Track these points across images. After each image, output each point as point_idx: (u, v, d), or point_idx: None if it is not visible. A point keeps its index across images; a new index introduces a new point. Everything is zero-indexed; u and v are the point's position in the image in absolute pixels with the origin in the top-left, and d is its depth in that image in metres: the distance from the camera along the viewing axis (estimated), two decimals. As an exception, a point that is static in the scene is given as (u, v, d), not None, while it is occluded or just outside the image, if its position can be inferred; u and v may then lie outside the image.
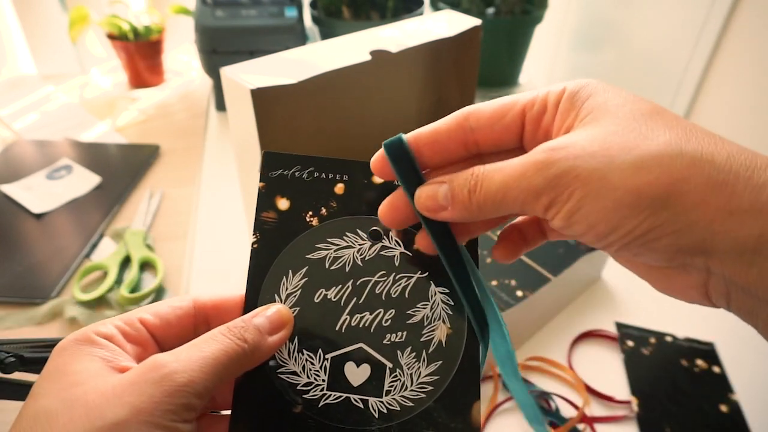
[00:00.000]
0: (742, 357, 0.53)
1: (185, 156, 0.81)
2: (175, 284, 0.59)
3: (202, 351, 0.21)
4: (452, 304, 0.25)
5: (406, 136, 0.24)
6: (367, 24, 0.84)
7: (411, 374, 0.24)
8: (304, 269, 0.25)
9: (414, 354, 0.24)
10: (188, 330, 0.24)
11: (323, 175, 0.26)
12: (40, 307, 0.55)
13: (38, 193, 0.70)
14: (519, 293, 0.53)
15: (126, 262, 0.61)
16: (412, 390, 0.24)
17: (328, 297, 0.25)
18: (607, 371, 0.51)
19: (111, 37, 0.94)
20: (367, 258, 0.25)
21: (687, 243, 0.20)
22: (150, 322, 0.24)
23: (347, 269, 0.25)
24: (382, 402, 0.24)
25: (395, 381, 0.24)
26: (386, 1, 0.89)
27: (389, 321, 0.25)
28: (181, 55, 1.11)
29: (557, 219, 0.21)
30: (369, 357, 0.24)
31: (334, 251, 0.25)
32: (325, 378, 0.24)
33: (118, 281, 0.58)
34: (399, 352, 0.24)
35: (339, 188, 0.26)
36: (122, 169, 0.76)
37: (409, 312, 0.25)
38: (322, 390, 0.24)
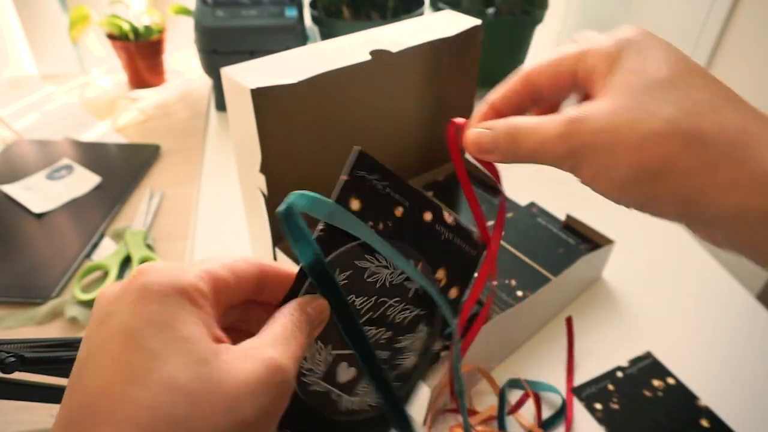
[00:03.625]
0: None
1: (185, 156, 0.81)
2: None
3: (296, 352, 0.22)
4: (426, 341, 0.29)
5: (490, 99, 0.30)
6: (367, 24, 0.84)
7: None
8: (349, 272, 0.26)
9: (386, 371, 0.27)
10: (249, 292, 0.24)
11: (392, 193, 0.27)
12: (40, 307, 0.55)
13: (38, 193, 0.70)
14: (519, 293, 0.53)
15: (126, 262, 0.61)
16: (376, 398, 0.28)
17: (355, 304, 0.27)
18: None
19: (111, 37, 0.94)
20: (393, 282, 0.27)
21: (683, 209, 0.24)
22: (226, 280, 0.22)
23: (377, 286, 0.27)
24: (351, 401, 0.27)
25: (363, 387, 0.27)
26: (386, 1, 0.89)
27: (384, 340, 0.28)
28: (181, 55, 1.11)
29: (581, 178, 0.26)
30: (358, 363, 0.27)
31: (375, 266, 0.27)
32: (323, 369, 0.26)
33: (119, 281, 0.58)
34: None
35: (398, 211, 0.28)
36: (122, 169, 0.76)
37: (399, 338, 0.28)
38: (317, 378, 0.26)
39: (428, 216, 0.28)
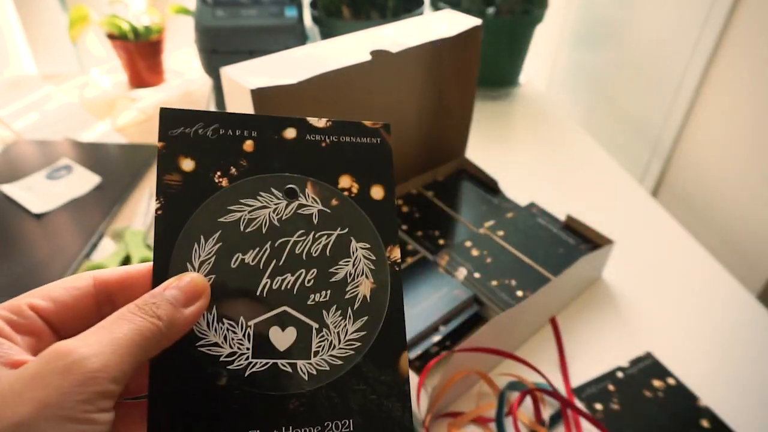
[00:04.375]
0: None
1: (185, 156, 0.81)
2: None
3: (112, 333, 0.19)
4: (374, 258, 0.25)
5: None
6: (367, 24, 0.84)
7: (338, 333, 0.24)
8: (218, 233, 0.23)
9: (339, 312, 0.24)
10: (90, 312, 0.22)
11: (230, 132, 0.24)
12: (40, 307, 0.55)
13: (38, 193, 0.70)
14: (519, 293, 0.53)
15: (126, 262, 0.61)
16: (340, 348, 0.24)
17: (246, 261, 0.23)
18: None
19: (111, 37, 0.94)
20: (284, 218, 0.24)
21: None
22: (42, 308, 0.21)
23: (264, 231, 0.24)
24: (310, 363, 0.23)
25: (322, 341, 0.24)
26: (386, 1, 0.89)
27: (312, 281, 0.24)
28: (181, 54, 1.11)
29: None
30: (294, 319, 0.23)
31: (249, 212, 0.24)
32: (250, 346, 0.23)
33: (118, 281, 0.58)
34: (324, 311, 0.24)
35: (248, 145, 0.24)
36: (122, 169, 0.76)
37: (331, 270, 0.24)
38: (247, 359, 0.23)
39: (291, 132, 0.25)
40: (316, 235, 0.24)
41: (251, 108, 0.45)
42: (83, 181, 0.73)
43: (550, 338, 0.54)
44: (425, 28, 0.58)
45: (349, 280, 0.24)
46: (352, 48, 0.52)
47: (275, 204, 0.24)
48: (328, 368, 0.23)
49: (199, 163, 0.24)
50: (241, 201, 0.24)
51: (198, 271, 0.23)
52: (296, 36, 0.84)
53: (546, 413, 0.48)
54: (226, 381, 0.22)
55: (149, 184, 0.74)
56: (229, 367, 0.22)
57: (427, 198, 0.67)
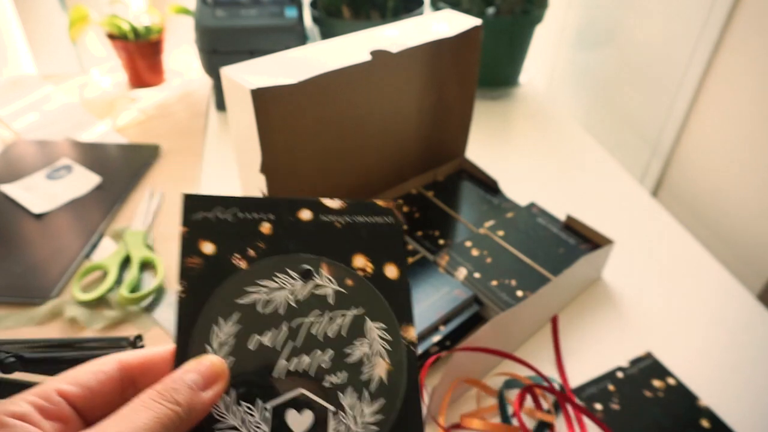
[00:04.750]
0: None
1: (185, 156, 0.81)
2: (175, 284, 0.59)
3: (133, 422, 0.19)
4: (390, 339, 0.25)
5: None
6: (367, 24, 0.84)
7: (354, 416, 0.23)
8: (236, 315, 0.24)
9: (356, 394, 0.24)
10: (115, 395, 0.22)
11: (248, 215, 0.25)
12: (40, 307, 0.55)
13: (38, 193, 0.70)
14: (519, 293, 0.53)
15: (126, 262, 0.61)
16: (356, 431, 0.23)
17: (264, 343, 0.24)
18: None
19: (111, 37, 0.94)
20: (300, 298, 0.24)
21: None
22: (70, 393, 0.21)
23: (281, 312, 0.24)
24: None
25: (339, 425, 0.23)
26: (386, 1, 0.89)
27: (328, 362, 0.24)
28: (181, 55, 1.11)
29: None
30: (310, 402, 0.23)
31: (266, 294, 0.24)
32: (267, 429, 0.23)
33: (118, 281, 0.58)
34: (340, 393, 0.24)
35: (265, 228, 0.25)
36: (122, 169, 0.76)
37: (346, 351, 0.24)
38: None
39: (306, 214, 0.26)
40: (332, 316, 0.24)
41: (251, 108, 0.45)
42: (83, 181, 0.73)
43: (550, 338, 0.54)
44: (425, 28, 0.58)
45: (365, 361, 0.24)
46: (352, 48, 0.52)
47: (291, 285, 0.24)
48: None
49: (219, 246, 0.24)
50: (258, 282, 0.24)
51: (217, 353, 0.23)
52: (296, 36, 0.84)
53: (546, 406, 0.48)
54: None
55: (149, 184, 0.74)
56: None
57: (427, 198, 0.67)
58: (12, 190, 0.71)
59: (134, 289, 0.57)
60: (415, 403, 0.24)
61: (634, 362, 0.52)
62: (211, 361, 0.22)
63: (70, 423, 0.21)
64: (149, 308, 0.55)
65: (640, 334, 0.55)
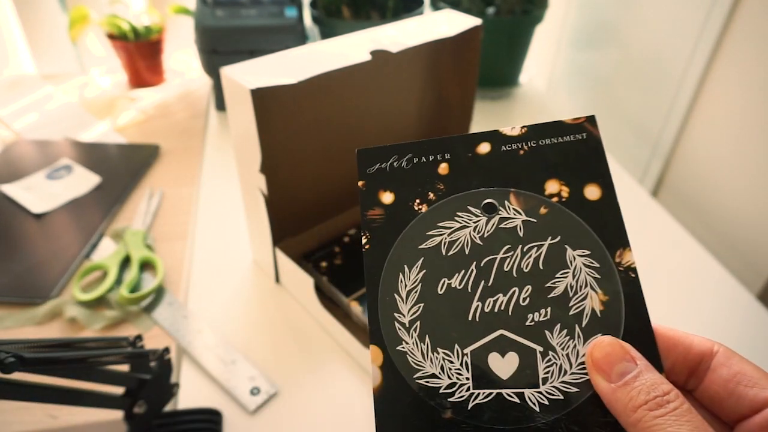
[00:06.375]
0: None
1: (185, 156, 0.81)
2: (175, 284, 0.59)
3: None
4: (598, 266, 0.22)
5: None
6: (367, 24, 0.84)
7: (567, 355, 0.21)
8: (420, 261, 0.23)
9: (565, 331, 0.21)
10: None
11: (423, 159, 0.24)
12: (40, 307, 0.55)
13: (38, 193, 0.70)
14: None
15: (126, 262, 0.61)
16: (573, 373, 0.21)
17: (453, 285, 0.22)
18: None
19: (111, 37, 0.94)
20: (486, 235, 0.23)
21: None
22: None
23: (467, 251, 0.23)
24: (540, 392, 0.21)
25: (551, 366, 0.21)
26: (386, 1, 0.89)
27: (528, 299, 0.22)
28: (181, 55, 1.11)
29: None
30: (513, 343, 0.21)
31: (448, 235, 0.23)
32: (469, 375, 0.21)
33: (118, 281, 0.58)
34: (547, 332, 0.21)
35: (443, 168, 0.24)
36: (122, 169, 0.76)
37: (548, 285, 0.22)
38: (468, 389, 0.21)
39: (485, 147, 0.24)
40: (525, 249, 0.23)
41: (251, 108, 0.45)
42: (83, 181, 0.73)
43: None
44: (425, 28, 0.58)
45: (571, 294, 0.22)
46: (352, 48, 0.52)
47: (475, 222, 0.23)
48: (561, 397, 0.21)
49: (398, 194, 0.24)
50: (439, 224, 0.23)
51: (406, 302, 0.22)
52: (296, 36, 0.84)
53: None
54: (451, 414, 0.21)
55: (149, 184, 0.74)
56: (450, 399, 0.21)
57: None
58: (12, 190, 0.71)
59: (134, 289, 0.57)
60: (643, 334, 0.21)
61: None
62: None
63: None
64: (149, 308, 0.55)
65: (640, 334, 0.55)
